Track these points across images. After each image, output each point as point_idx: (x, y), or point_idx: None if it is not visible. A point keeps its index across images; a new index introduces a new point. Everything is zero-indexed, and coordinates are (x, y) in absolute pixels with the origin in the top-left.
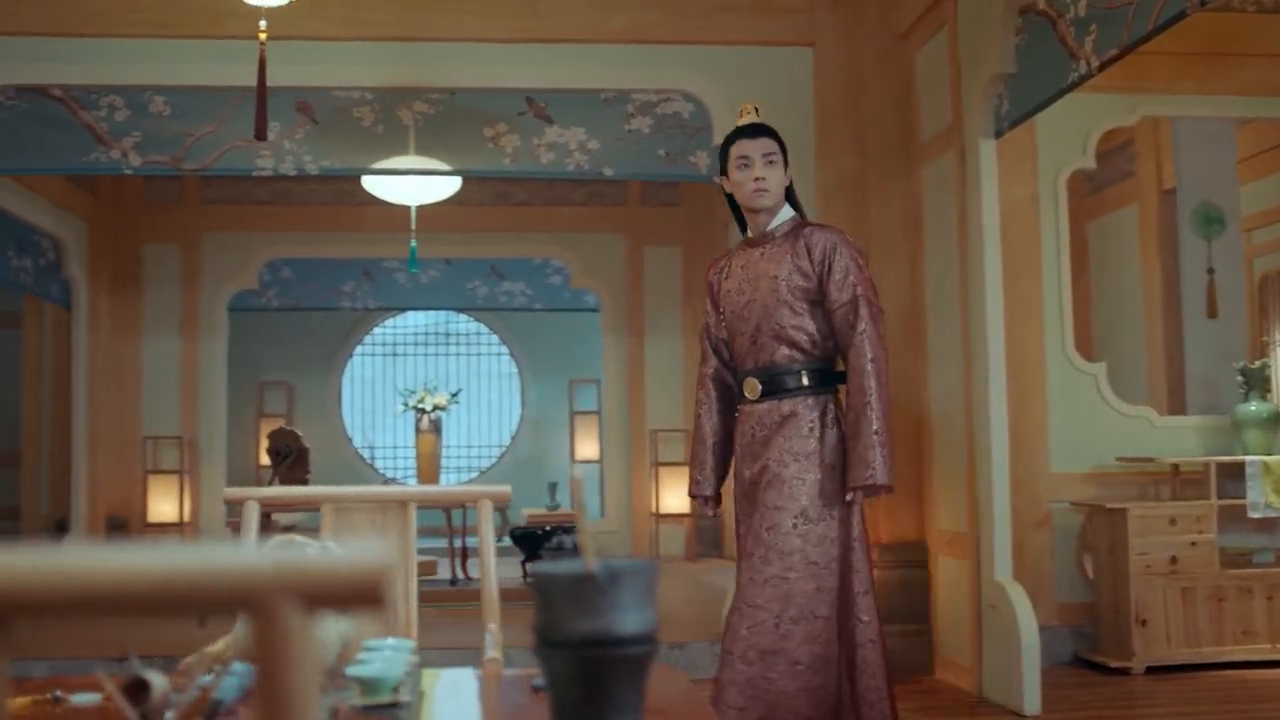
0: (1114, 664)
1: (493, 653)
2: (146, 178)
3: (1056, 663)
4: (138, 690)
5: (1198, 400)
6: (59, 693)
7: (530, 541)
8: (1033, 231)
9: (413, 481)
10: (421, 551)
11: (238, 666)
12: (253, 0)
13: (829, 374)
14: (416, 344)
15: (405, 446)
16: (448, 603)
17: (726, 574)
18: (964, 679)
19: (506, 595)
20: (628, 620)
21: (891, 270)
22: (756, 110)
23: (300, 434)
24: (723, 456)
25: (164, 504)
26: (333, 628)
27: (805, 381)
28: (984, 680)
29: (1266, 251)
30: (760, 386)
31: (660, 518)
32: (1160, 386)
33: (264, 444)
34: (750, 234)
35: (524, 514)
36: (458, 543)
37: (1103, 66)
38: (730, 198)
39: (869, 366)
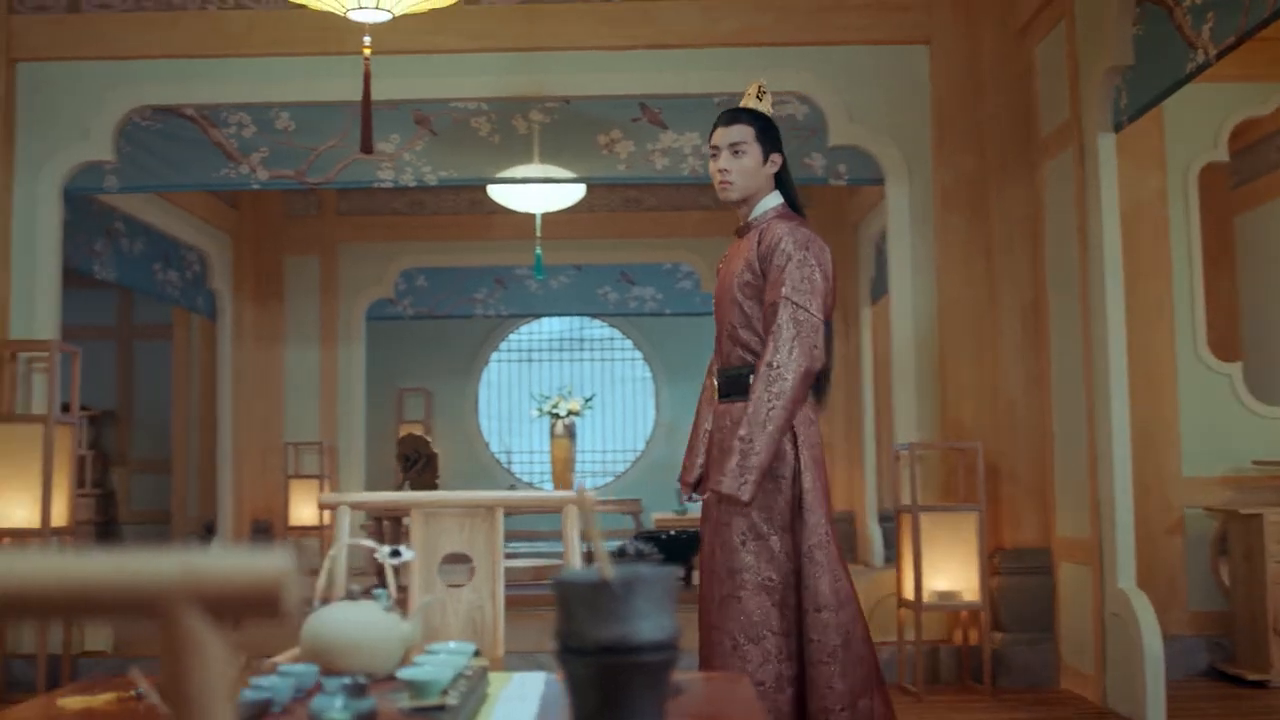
0: (1251, 676)
1: None
2: (286, 192)
3: (1191, 674)
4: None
5: None
6: (142, 689)
7: (656, 546)
8: (1161, 228)
9: (548, 486)
10: (550, 555)
11: (295, 668)
12: (356, 18)
13: None
14: (551, 350)
15: (541, 452)
16: None
17: (881, 578)
18: (1089, 689)
19: None
20: (644, 628)
21: (1013, 271)
22: (760, 92)
23: (429, 440)
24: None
25: (304, 508)
26: (396, 630)
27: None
28: (1108, 691)
29: None
30: (719, 388)
31: None
32: None
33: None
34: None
35: (654, 518)
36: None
37: (1220, 55)
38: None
39: (763, 370)
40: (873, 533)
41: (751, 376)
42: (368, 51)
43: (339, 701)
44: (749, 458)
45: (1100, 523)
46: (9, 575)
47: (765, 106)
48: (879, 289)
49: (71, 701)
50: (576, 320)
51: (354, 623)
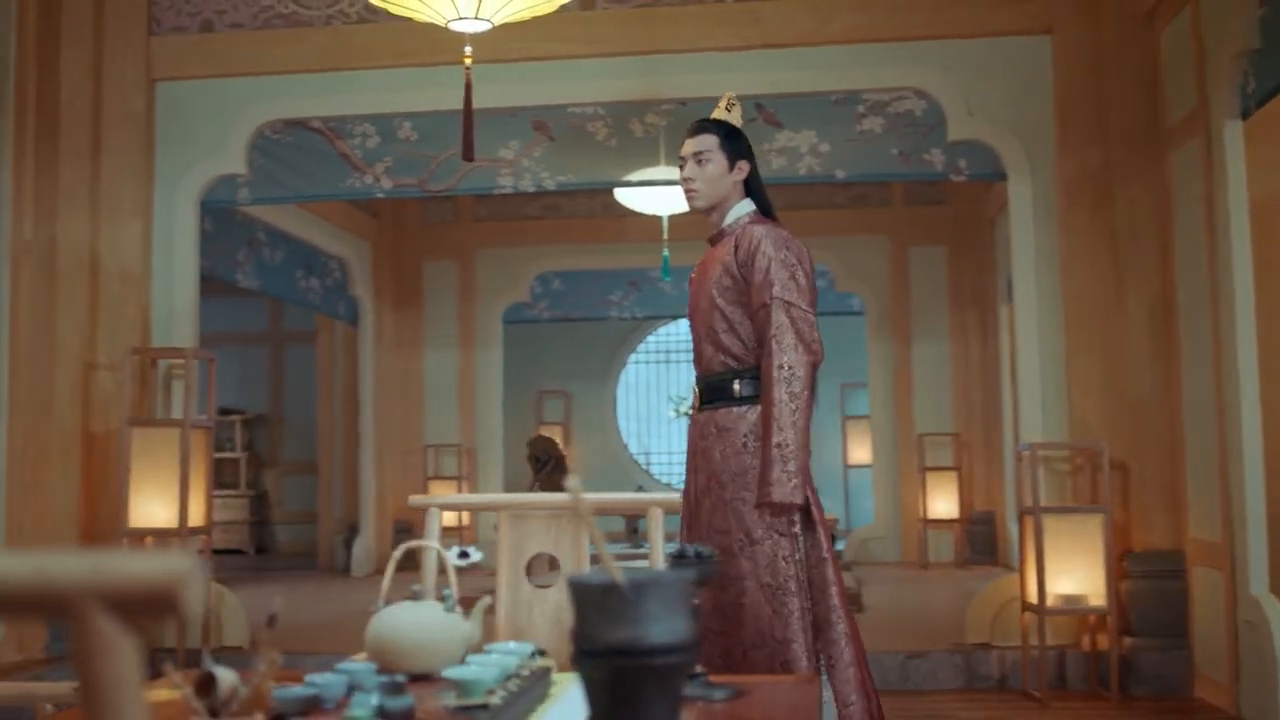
0: None
1: None
2: (424, 199)
3: None
4: (207, 685)
5: None
6: (176, 682)
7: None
8: None
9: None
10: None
11: (353, 665)
12: (457, 28)
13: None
14: (688, 351)
15: (679, 452)
16: None
17: (991, 581)
18: (1222, 698)
19: None
20: (655, 631)
21: (1140, 266)
22: (729, 104)
23: (558, 441)
24: None
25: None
26: (456, 630)
27: (738, 391)
28: (1241, 700)
29: None
30: (701, 395)
31: (929, 523)
32: None
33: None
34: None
35: None
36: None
37: None
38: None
39: (775, 373)
40: (1012, 534)
41: (736, 381)
42: (468, 61)
43: (373, 699)
44: (789, 462)
45: (1232, 525)
46: None
47: (735, 118)
48: None
49: (153, 694)
50: None
51: (414, 623)
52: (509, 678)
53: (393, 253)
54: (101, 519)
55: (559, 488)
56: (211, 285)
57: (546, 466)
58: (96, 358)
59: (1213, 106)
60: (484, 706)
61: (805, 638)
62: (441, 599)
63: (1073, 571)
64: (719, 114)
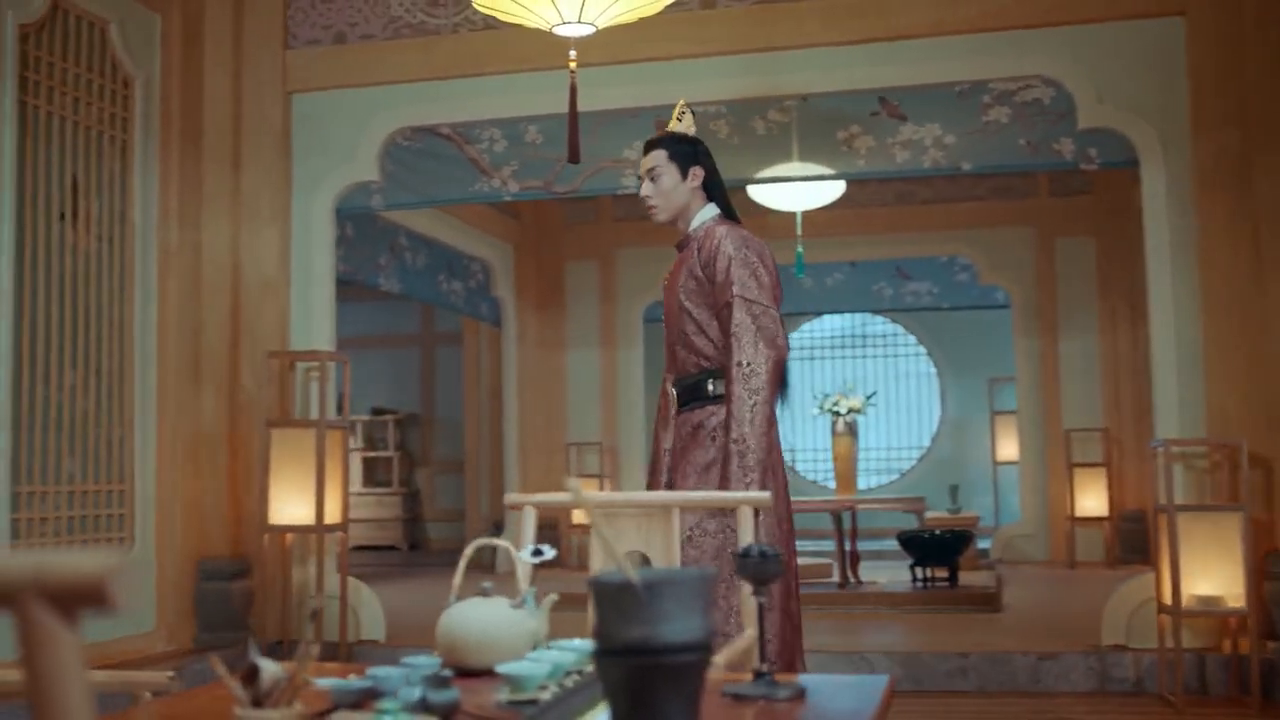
0: None
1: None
2: (565, 201)
3: None
4: (252, 675)
5: None
6: (220, 674)
7: (917, 545)
8: None
9: (831, 485)
10: (817, 554)
11: (417, 660)
12: (561, 33)
13: None
14: (833, 347)
15: (825, 450)
16: (830, 605)
17: (1142, 582)
18: None
19: (893, 600)
20: (670, 630)
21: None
22: (681, 110)
23: None
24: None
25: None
26: (522, 626)
27: (712, 390)
28: None
29: None
30: (678, 397)
31: (1077, 521)
32: None
33: None
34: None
35: (925, 517)
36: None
37: None
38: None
39: (735, 371)
40: None
41: (710, 381)
42: (574, 65)
43: (416, 692)
44: (746, 456)
45: None
46: None
47: (686, 125)
48: None
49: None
50: (858, 317)
51: (481, 619)
52: (567, 674)
53: (535, 254)
54: (246, 517)
55: None
56: (364, 290)
57: None
58: (239, 361)
59: None
60: (532, 702)
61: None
62: (521, 597)
63: (1210, 572)
64: (673, 124)
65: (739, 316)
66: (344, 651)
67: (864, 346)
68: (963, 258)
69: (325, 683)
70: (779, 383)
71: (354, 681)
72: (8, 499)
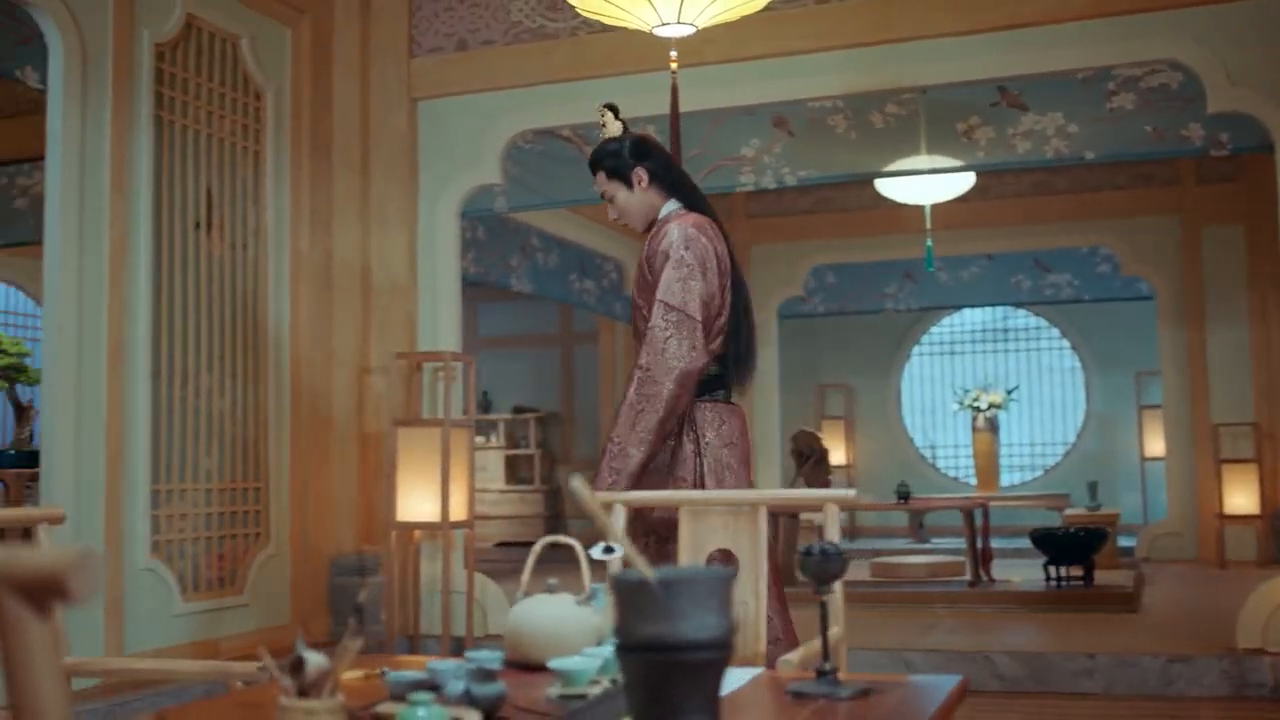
0: None
1: (792, 656)
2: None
3: None
4: (299, 666)
5: None
6: (387, 669)
7: (1051, 543)
8: None
9: (972, 481)
10: (951, 552)
11: (480, 654)
12: (661, 34)
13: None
14: (974, 341)
15: (966, 446)
16: (959, 604)
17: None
18: None
19: (1025, 599)
20: (684, 627)
21: None
22: (601, 114)
23: (820, 436)
24: None
25: None
26: (587, 622)
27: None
28: None
29: None
30: None
31: (1226, 519)
32: None
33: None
34: None
35: (1063, 514)
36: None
37: None
38: None
39: (634, 371)
40: None
41: None
42: (674, 66)
43: (460, 686)
44: (617, 459)
45: None
46: None
47: (612, 127)
48: None
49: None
50: (999, 310)
51: (545, 615)
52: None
53: None
54: (376, 513)
55: (822, 482)
56: (505, 291)
57: (809, 461)
58: (369, 362)
59: None
60: (581, 696)
61: None
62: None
63: None
64: (605, 131)
65: (654, 319)
66: (469, 646)
67: (1005, 341)
68: (1104, 248)
69: (393, 677)
70: (686, 392)
71: (410, 674)
72: (148, 496)
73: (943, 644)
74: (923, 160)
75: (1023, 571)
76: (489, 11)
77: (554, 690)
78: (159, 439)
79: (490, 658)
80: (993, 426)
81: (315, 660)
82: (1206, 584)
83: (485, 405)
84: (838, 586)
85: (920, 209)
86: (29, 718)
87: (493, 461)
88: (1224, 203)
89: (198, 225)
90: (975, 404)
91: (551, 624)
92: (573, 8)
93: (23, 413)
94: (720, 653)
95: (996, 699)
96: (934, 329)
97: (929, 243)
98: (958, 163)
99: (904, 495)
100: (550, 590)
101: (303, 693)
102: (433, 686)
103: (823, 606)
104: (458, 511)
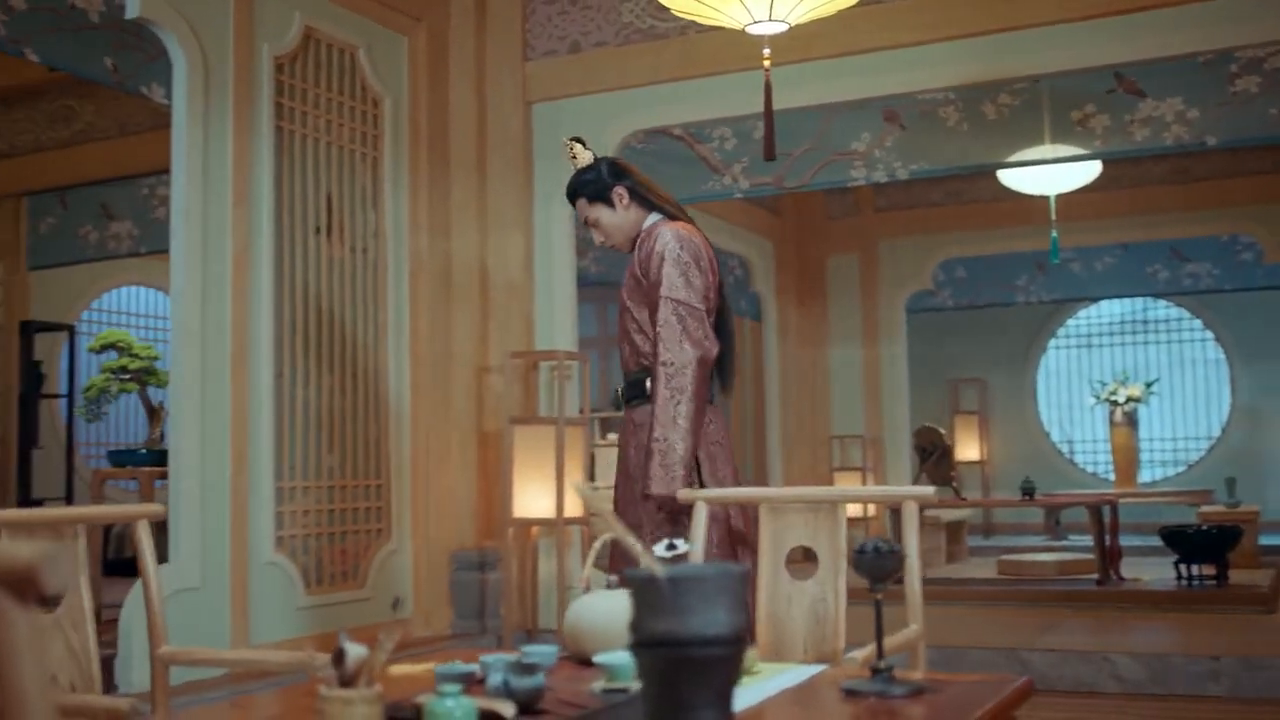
0: None
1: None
2: (826, 194)
3: None
4: (340, 658)
5: None
6: (458, 662)
7: (1182, 541)
8: None
9: (1110, 477)
10: (1085, 550)
11: (537, 648)
12: (753, 31)
13: None
14: (1113, 334)
15: (1103, 440)
16: (1083, 603)
17: None
18: None
19: (1153, 599)
20: (692, 623)
21: None
22: (568, 147)
23: (943, 432)
24: None
25: None
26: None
27: (649, 387)
28: None
29: None
30: (622, 394)
31: None
32: None
33: (917, 440)
34: None
35: (1198, 511)
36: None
37: None
38: None
39: (659, 369)
40: None
41: (648, 379)
42: (767, 63)
43: (499, 678)
44: (668, 455)
45: None
46: None
47: (583, 157)
48: None
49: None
50: (1138, 302)
51: (602, 611)
52: None
53: (795, 248)
54: (494, 510)
55: (945, 477)
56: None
57: (932, 456)
58: (487, 362)
59: None
60: (624, 690)
61: None
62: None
63: None
64: (577, 163)
65: (664, 315)
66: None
67: (1145, 332)
68: (1245, 236)
69: (440, 669)
70: (707, 380)
71: (458, 666)
72: (272, 494)
73: (1062, 644)
74: (1046, 150)
75: (1157, 570)
76: (600, 14)
77: (599, 684)
78: (281, 437)
79: (546, 652)
80: (1131, 420)
81: (355, 652)
82: None
83: (618, 403)
84: (916, 584)
85: (1042, 199)
86: (12, 708)
87: (608, 458)
88: None
89: (318, 230)
90: (1113, 397)
91: (607, 620)
92: None
93: (154, 414)
94: (729, 649)
95: (1115, 700)
96: (1070, 321)
97: (1054, 234)
98: (1078, 152)
99: (1029, 491)
100: (610, 586)
101: (344, 683)
102: (480, 680)
103: (877, 605)
104: (573, 508)
